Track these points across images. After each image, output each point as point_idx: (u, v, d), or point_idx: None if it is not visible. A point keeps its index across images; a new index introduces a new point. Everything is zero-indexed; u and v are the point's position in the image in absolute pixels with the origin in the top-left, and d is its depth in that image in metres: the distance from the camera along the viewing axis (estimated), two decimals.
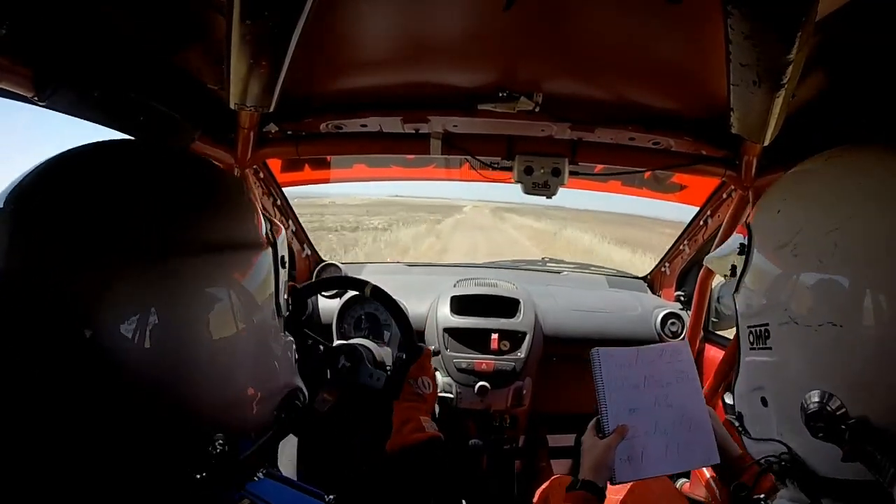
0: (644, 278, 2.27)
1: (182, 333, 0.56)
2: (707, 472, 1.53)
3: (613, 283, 2.25)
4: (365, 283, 1.23)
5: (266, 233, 0.68)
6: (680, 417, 0.98)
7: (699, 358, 1.78)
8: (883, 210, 0.57)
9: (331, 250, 12.46)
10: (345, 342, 1.25)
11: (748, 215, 0.84)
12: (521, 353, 1.72)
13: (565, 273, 2.35)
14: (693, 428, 0.98)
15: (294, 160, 1.75)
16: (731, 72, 0.82)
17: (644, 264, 6.25)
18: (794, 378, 0.63)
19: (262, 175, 1.61)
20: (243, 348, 0.62)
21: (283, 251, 0.71)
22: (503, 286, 1.93)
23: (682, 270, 2.00)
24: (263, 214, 0.70)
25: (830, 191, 0.64)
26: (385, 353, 1.28)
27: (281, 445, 1.72)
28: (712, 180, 1.64)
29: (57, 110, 0.85)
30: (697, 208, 1.82)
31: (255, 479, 0.66)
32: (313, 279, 2.01)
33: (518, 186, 1.47)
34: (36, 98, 0.79)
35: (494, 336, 1.72)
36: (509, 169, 1.46)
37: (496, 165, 1.49)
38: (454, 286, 1.91)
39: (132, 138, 1.00)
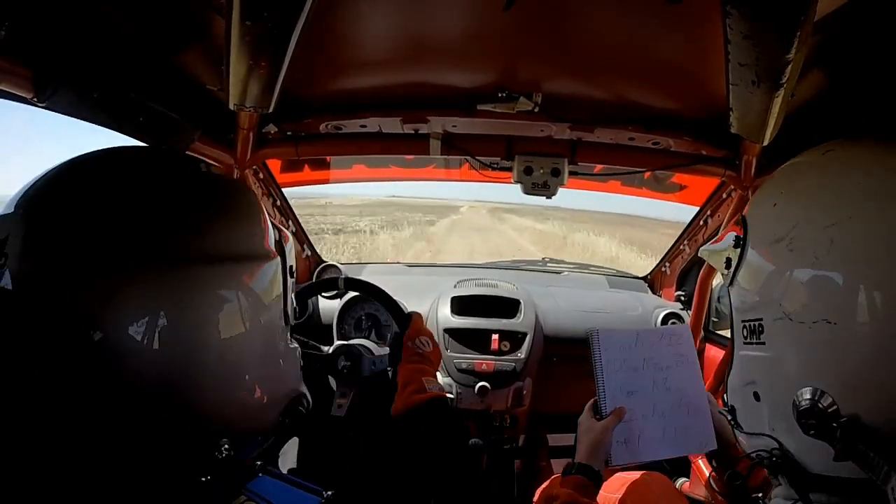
0: (644, 278, 2.27)
1: (190, 340, 0.56)
2: (706, 471, 1.53)
3: (614, 284, 2.25)
4: (335, 278, 1.25)
5: (276, 241, 0.69)
6: (678, 401, 0.97)
7: (699, 358, 1.77)
8: (882, 209, 0.56)
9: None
10: (341, 343, 1.25)
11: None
12: (522, 354, 1.71)
13: (565, 273, 2.35)
14: (691, 412, 0.97)
15: (293, 161, 1.75)
16: (730, 71, 0.82)
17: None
18: (786, 374, 0.63)
19: (261, 176, 1.61)
20: (250, 356, 0.63)
21: (291, 260, 0.72)
22: (503, 286, 1.93)
23: (682, 270, 2.00)
24: (272, 223, 0.70)
25: (828, 186, 0.63)
26: (385, 352, 1.28)
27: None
28: (712, 180, 1.64)
29: (57, 111, 0.85)
30: (698, 208, 1.82)
31: (256, 476, 0.67)
32: (314, 280, 2.01)
33: (517, 187, 1.47)
34: (36, 99, 0.79)
35: (495, 336, 1.72)
36: (509, 169, 1.46)
37: (496, 166, 1.49)
38: (454, 286, 1.91)
39: (145, 144, 1.02)
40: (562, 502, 0.84)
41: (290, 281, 0.72)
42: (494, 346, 1.71)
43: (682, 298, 1.97)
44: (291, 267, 0.72)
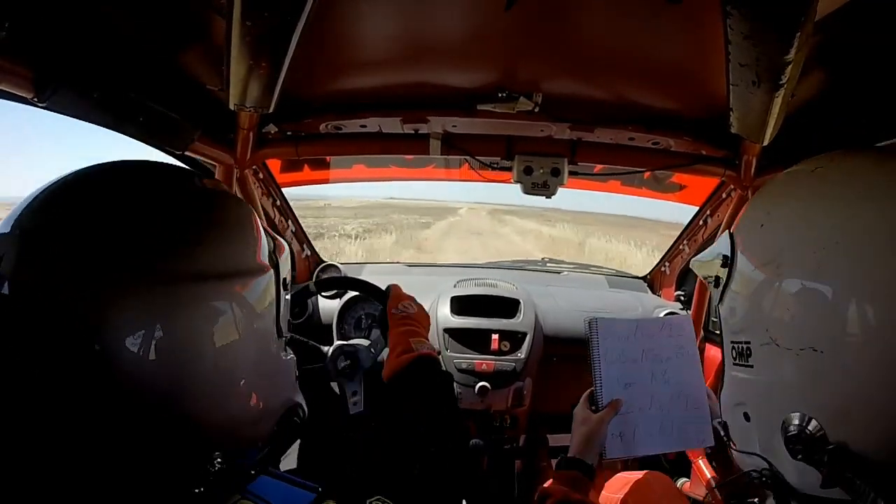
0: (644, 278, 2.28)
1: (184, 355, 0.56)
2: (708, 473, 1.53)
3: (613, 284, 2.25)
4: (307, 285, 1.26)
5: (269, 253, 0.69)
6: (677, 395, 0.96)
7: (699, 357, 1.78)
8: (870, 234, 0.55)
9: None
10: (336, 345, 1.25)
11: None
12: (522, 354, 1.71)
13: (565, 273, 2.35)
14: (690, 407, 0.95)
15: (294, 160, 1.75)
16: (730, 71, 0.82)
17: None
18: (774, 398, 0.62)
19: (261, 175, 1.61)
20: (243, 369, 0.63)
21: (284, 272, 0.72)
22: (503, 286, 1.93)
23: (681, 270, 2.01)
24: (266, 231, 0.71)
25: (816, 209, 0.61)
26: (379, 340, 1.28)
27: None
28: (712, 180, 1.64)
29: (57, 111, 0.85)
30: (697, 208, 1.83)
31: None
32: (313, 279, 2.01)
33: (517, 187, 1.46)
34: (36, 99, 0.79)
35: (495, 336, 1.72)
36: (509, 169, 1.46)
37: (495, 165, 1.49)
38: (454, 286, 1.91)
39: (145, 144, 1.03)
40: (555, 500, 0.84)
41: (283, 294, 0.72)
42: (494, 346, 1.71)
43: (682, 298, 1.97)
44: (285, 280, 0.73)
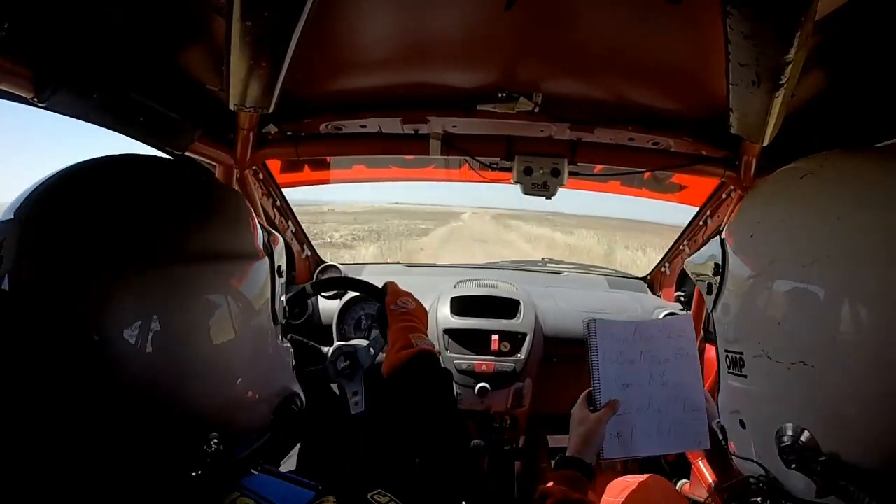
0: (644, 279, 2.27)
1: (179, 335, 0.57)
2: (709, 477, 1.53)
3: (613, 284, 2.25)
4: (303, 288, 1.25)
5: (264, 243, 0.71)
6: (675, 396, 0.96)
7: (699, 358, 1.77)
8: (859, 247, 0.54)
9: None
10: (335, 346, 1.25)
11: None
12: (522, 355, 1.71)
13: (565, 274, 2.35)
14: (687, 408, 0.96)
15: (294, 161, 1.75)
16: (730, 72, 0.82)
17: None
18: (768, 409, 0.62)
19: (261, 176, 1.61)
20: (239, 351, 0.64)
21: (279, 261, 0.74)
22: (503, 287, 1.93)
23: (682, 270, 2.00)
24: (262, 226, 0.72)
25: (805, 219, 0.60)
26: (378, 339, 1.28)
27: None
28: (712, 180, 1.64)
29: (56, 111, 0.85)
30: (697, 208, 1.82)
31: (251, 473, 0.67)
32: (314, 280, 2.01)
33: (519, 188, 1.47)
34: (36, 99, 0.79)
35: (495, 337, 1.72)
36: (508, 169, 1.46)
37: (495, 166, 1.49)
38: (454, 287, 1.91)
39: (145, 144, 1.04)
40: (554, 500, 0.84)
41: (279, 280, 0.73)
42: (494, 346, 1.71)
43: (682, 299, 1.97)
44: (280, 267, 0.74)
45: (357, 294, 1.75)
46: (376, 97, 1.25)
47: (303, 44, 0.84)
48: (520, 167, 1.43)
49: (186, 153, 1.18)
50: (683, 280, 2.01)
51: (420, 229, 23.62)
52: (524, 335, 1.74)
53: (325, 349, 1.27)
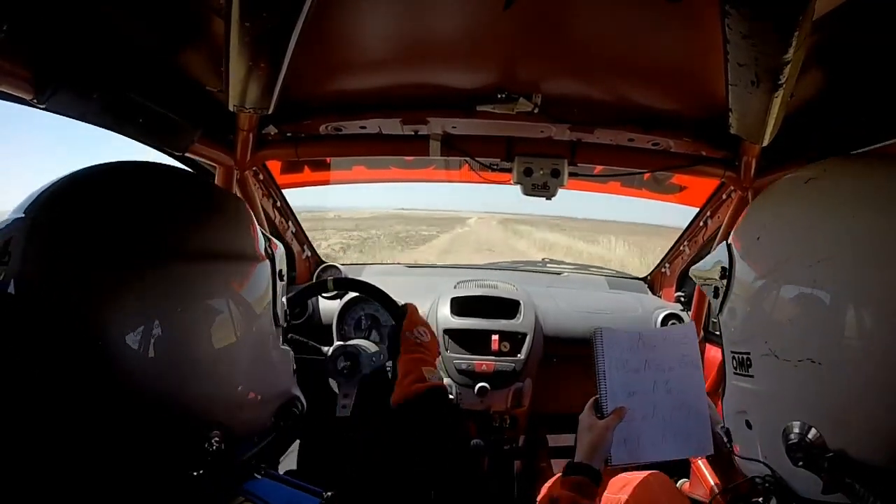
0: (644, 279, 2.27)
1: (180, 334, 0.58)
2: (711, 479, 1.53)
3: (614, 284, 2.25)
4: (325, 280, 1.26)
5: (265, 247, 0.72)
6: (679, 404, 0.98)
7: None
8: (865, 248, 0.56)
9: None
10: (339, 344, 1.25)
11: None
12: (522, 355, 1.71)
13: (565, 274, 2.34)
14: (690, 416, 0.98)
15: (294, 162, 1.75)
16: (729, 71, 0.82)
17: None
18: (775, 407, 0.63)
19: (261, 177, 1.61)
20: (240, 352, 0.65)
21: (280, 265, 0.75)
22: (503, 287, 1.93)
23: (682, 271, 2.00)
24: (262, 233, 0.73)
25: (811, 221, 0.62)
26: (384, 350, 1.28)
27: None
28: (712, 181, 1.64)
29: (56, 112, 0.85)
30: (697, 209, 1.82)
31: (254, 477, 0.67)
32: (314, 281, 2.01)
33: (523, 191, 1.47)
34: (35, 99, 0.80)
35: (495, 337, 1.71)
36: (508, 170, 1.46)
37: (495, 167, 1.49)
38: (454, 287, 1.91)
39: (145, 145, 1.04)
40: None
41: (280, 285, 0.74)
42: (494, 346, 1.71)
43: (682, 299, 1.97)
44: (281, 271, 0.75)
45: (357, 294, 1.75)
46: (376, 98, 1.26)
47: (302, 44, 0.84)
48: (520, 168, 1.43)
49: (186, 154, 1.18)
50: (683, 280, 2.01)
51: (423, 236, 21.86)
52: (524, 335, 1.74)
53: (325, 349, 1.27)
